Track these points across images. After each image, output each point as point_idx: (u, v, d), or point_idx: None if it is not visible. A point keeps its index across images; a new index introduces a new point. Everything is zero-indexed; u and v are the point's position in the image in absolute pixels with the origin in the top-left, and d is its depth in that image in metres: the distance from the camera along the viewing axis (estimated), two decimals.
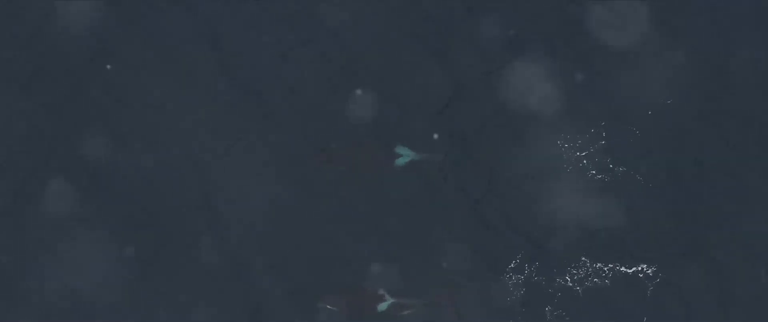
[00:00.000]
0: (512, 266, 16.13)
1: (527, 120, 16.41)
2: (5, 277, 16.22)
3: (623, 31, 16.66)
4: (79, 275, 16.20)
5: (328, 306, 16.01)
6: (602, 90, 16.50)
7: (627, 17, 16.68)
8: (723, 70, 16.52)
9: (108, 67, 16.57)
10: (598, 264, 16.11)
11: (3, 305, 16.17)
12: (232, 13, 16.71)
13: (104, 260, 16.23)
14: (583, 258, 16.12)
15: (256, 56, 16.64)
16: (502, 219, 16.25)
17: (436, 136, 16.23)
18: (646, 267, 16.11)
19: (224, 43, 16.66)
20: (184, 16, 16.69)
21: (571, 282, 16.09)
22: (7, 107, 16.53)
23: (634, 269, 16.12)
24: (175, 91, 16.58)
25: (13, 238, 16.26)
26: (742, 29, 16.64)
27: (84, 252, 16.25)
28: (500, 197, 16.28)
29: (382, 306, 16.00)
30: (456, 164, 16.35)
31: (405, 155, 16.22)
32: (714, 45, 16.57)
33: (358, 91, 16.47)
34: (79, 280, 16.18)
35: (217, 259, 16.22)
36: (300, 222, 16.27)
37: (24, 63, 16.59)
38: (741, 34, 16.62)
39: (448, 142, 16.36)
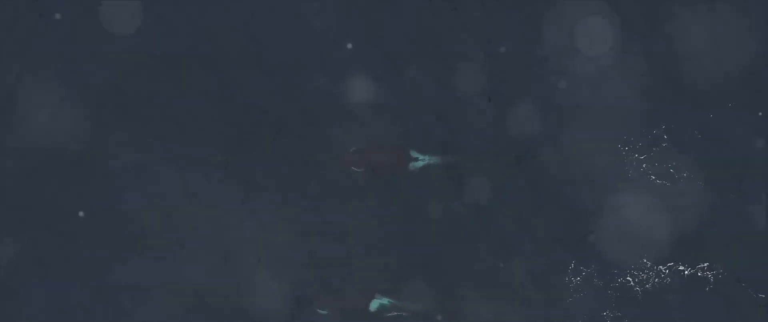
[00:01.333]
0: (571, 267, 16.08)
1: (581, 121, 16.45)
2: (7, 277, 16.34)
3: (686, 32, 16.67)
4: (81, 275, 16.33)
5: (320, 309, 16.06)
6: (661, 93, 16.51)
7: (686, 16, 16.73)
8: None
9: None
10: (660, 266, 16.00)
11: (5, 304, 16.35)
12: (239, 19, 16.97)
13: (103, 259, 16.32)
14: (645, 260, 16.04)
15: (269, 59, 16.78)
16: (561, 222, 16.24)
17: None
18: (707, 268, 15.97)
19: (238, 47, 16.86)
20: (188, 22, 16.89)
21: (633, 283, 15.99)
22: (35, 101, 16.73)
23: (694, 270, 16.00)
24: (189, 95, 16.75)
25: (11, 239, 16.42)
26: None
27: (89, 250, 16.36)
28: (557, 198, 16.28)
29: (374, 305, 15.99)
30: (498, 165, 16.46)
31: (421, 159, 16.36)
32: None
33: (375, 94, 16.62)
34: (82, 280, 16.32)
35: (215, 259, 16.31)
36: (307, 224, 16.37)
37: (57, 58, 16.82)
38: None
39: (491, 142, 16.49)
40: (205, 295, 16.26)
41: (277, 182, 16.49)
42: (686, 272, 16.03)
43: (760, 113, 16.36)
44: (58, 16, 16.92)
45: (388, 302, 16.03)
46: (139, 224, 16.40)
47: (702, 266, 16.03)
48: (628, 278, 16.02)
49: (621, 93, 16.52)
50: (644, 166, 16.26)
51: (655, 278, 16.00)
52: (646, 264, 16.02)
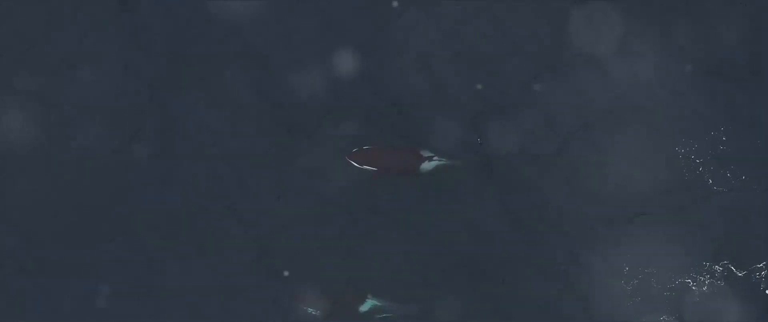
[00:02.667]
0: (627, 270, 16.15)
1: (636, 122, 16.43)
2: (7, 277, 16.34)
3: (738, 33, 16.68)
4: (87, 276, 16.35)
5: (309, 308, 16.10)
6: (720, 95, 16.52)
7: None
8: None
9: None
10: (716, 266, 16.10)
11: (5, 304, 16.33)
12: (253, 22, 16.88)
13: (103, 258, 16.35)
14: (704, 262, 16.13)
15: (281, 60, 16.71)
16: (616, 225, 16.32)
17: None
18: (763, 268, 16.07)
19: (249, 49, 16.79)
20: (206, 24, 16.85)
21: (692, 285, 16.09)
22: (43, 102, 16.68)
23: (748, 271, 16.10)
24: (201, 95, 16.67)
25: (16, 239, 16.40)
26: None
27: (98, 251, 16.37)
28: (609, 201, 16.35)
29: (366, 306, 16.01)
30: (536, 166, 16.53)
31: (436, 159, 16.26)
32: None
33: (389, 95, 16.59)
34: (86, 280, 16.34)
35: (212, 261, 16.35)
36: (308, 224, 16.37)
37: (60, 63, 16.75)
38: None
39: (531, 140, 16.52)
40: (203, 297, 16.31)
41: (276, 181, 16.47)
42: (740, 274, 16.13)
43: None
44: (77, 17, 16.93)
45: (381, 303, 16.06)
46: (145, 225, 16.45)
47: (758, 266, 16.12)
48: (688, 280, 16.12)
49: (677, 94, 16.51)
50: (701, 169, 16.30)
51: (711, 279, 16.09)
52: (704, 266, 16.10)
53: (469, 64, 16.63)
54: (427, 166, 16.25)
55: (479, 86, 16.52)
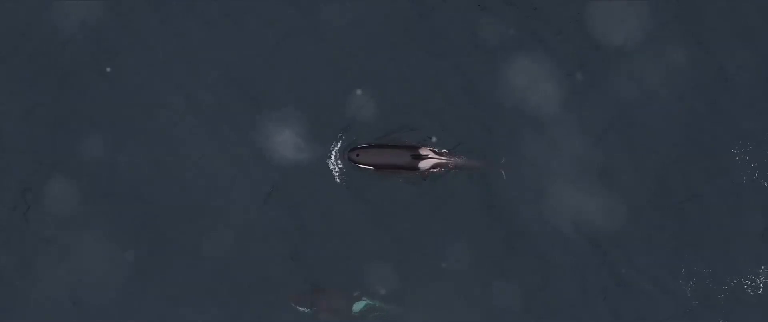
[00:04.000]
0: (683, 272, 16.29)
1: (689, 122, 16.42)
2: (6, 277, 16.41)
3: None
4: (80, 275, 16.40)
5: (301, 307, 16.26)
6: None
7: None
8: None
9: (108, 69, 16.64)
10: None
11: (4, 305, 16.40)
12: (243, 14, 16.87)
13: (104, 259, 16.42)
14: (763, 267, 16.26)
15: (282, 60, 16.70)
16: (666, 228, 16.35)
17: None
18: None
19: (233, 44, 16.78)
20: (189, 22, 16.79)
21: (749, 289, 16.23)
22: (10, 107, 16.69)
23: None
24: (201, 95, 16.69)
25: (13, 238, 16.45)
26: None
27: (86, 252, 16.42)
28: (659, 203, 16.36)
29: (358, 306, 16.17)
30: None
31: (433, 159, 16.26)
32: None
33: (381, 94, 16.56)
34: (81, 280, 16.39)
35: (204, 257, 16.41)
36: (306, 223, 16.45)
37: (26, 63, 16.73)
38: None
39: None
40: (204, 297, 16.44)
41: (276, 181, 16.54)
42: None
43: None
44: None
45: (374, 304, 16.20)
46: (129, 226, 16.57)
47: None
48: (745, 282, 16.20)
49: (731, 95, 16.44)
50: (756, 175, 16.26)
51: (767, 281, 16.21)
52: (760, 269, 16.19)
53: (470, 65, 16.60)
54: (426, 164, 16.41)
55: (481, 87, 16.54)
